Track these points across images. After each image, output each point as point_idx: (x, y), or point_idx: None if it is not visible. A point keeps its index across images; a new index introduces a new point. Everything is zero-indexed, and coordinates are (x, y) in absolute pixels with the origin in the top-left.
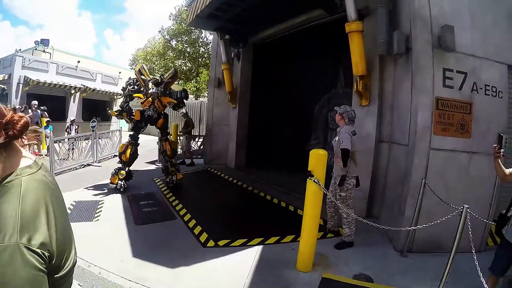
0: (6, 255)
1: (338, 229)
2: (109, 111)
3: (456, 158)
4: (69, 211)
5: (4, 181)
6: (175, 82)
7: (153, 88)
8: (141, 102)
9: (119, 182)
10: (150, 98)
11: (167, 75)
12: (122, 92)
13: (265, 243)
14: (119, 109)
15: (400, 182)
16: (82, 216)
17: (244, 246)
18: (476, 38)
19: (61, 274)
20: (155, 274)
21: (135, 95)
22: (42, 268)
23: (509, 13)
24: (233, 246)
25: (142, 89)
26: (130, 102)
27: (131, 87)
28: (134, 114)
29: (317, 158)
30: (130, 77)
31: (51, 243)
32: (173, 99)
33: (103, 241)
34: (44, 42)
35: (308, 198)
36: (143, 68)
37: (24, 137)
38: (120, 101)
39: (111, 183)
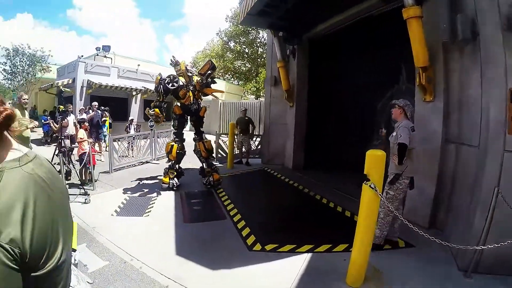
0: None
1: (396, 239)
2: (146, 112)
3: None
4: (122, 206)
5: None
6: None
7: (198, 81)
8: (181, 98)
9: (171, 181)
10: (190, 92)
11: (203, 67)
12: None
13: (315, 250)
14: (154, 110)
15: (469, 190)
16: (133, 211)
17: (292, 252)
18: None
19: (40, 273)
20: (195, 274)
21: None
22: (11, 264)
23: None
24: (281, 251)
25: (185, 84)
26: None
27: (170, 85)
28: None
29: (374, 160)
30: (160, 74)
31: (23, 240)
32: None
33: (149, 236)
34: (105, 48)
35: (363, 204)
36: (186, 65)
37: (10, 129)
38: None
39: (163, 183)
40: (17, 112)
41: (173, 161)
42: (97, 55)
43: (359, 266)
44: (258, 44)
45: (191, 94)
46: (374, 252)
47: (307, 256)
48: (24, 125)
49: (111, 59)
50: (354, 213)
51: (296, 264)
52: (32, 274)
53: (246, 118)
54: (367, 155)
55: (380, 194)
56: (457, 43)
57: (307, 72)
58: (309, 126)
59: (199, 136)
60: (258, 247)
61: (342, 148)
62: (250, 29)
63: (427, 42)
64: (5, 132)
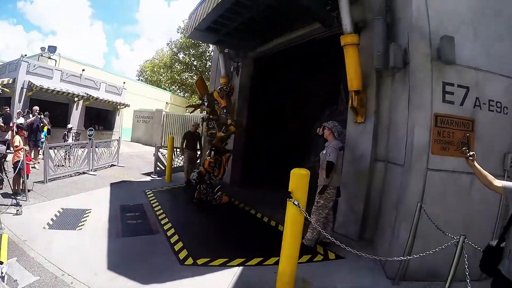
0: None
1: (329, 240)
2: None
3: (457, 180)
4: (55, 218)
5: None
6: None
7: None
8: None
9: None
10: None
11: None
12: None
13: (247, 264)
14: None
15: (395, 205)
16: (67, 224)
17: (224, 266)
18: (479, 50)
19: None
20: None
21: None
22: None
23: None
24: (212, 265)
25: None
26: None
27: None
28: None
29: (299, 178)
30: (205, 112)
31: None
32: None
33: (82, 250)
34: (51, 49)
35: (287, 220)
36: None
37: None
38: (124, 110)
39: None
40: None
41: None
42: (42, 55)
43: (287, 279)
44: (207, 58)
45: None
46: (304, 264)
47: (238, 270)
48: None
49: (56, 61)
50: None
51: (227, 278)
52: None
53: (196, 134)
54: (292, 174)
55: (303, 211)
56: (390, 70)
57: (249, 89)
58: (249, 142)
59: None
60: (190, 261)
61: (280, 164)
62: (201, 42)
63: (362, 67)
64: None
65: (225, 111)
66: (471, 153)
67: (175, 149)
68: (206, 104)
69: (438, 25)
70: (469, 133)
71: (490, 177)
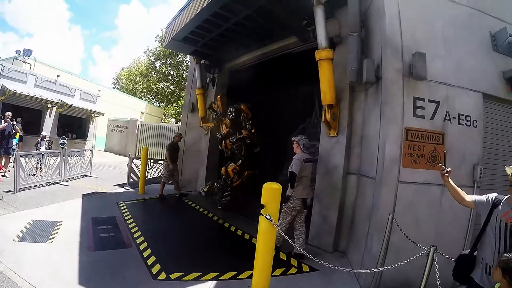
0: None
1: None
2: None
3: (428, 191)
4: (25, 230)
5: None
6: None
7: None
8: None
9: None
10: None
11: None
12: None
13: (220, 278)
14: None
15: (367, 216)
16: (37, 236)
17: (197, 280)
18: (450, 66)
19: None
20: None
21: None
22: None
23: (483, 41)
24: (185, 280)
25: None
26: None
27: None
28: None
29: (271, 193)
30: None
31: None
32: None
33: (52, 265)
34: (26, 52)
35: (260, 234)
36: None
37: None
38: (99, 119)
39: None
40: None
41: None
42: (16, 58)
43: None
44: (184, 68)
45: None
46: (278, 277)
47: (212, 284)
48: None
49: (31, 65)
50: None
51: None
52: None
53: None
54: (264, 188)
55: (275, 225)
56: (363, 84)
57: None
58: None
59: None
60: (163, 276)
61: (254, 175)
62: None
63: (336, 82)
64: None
65: (250, 122)
66: (448, 169)
67: (149, 160)
68: (231, 117)
69: (410, 41)
70: (439, 146)
71: (462, 193)
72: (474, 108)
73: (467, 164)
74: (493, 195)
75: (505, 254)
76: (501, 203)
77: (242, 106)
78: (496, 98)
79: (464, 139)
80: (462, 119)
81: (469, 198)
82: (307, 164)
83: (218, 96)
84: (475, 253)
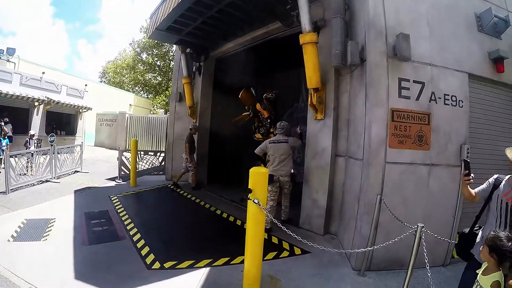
0: None
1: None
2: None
3: (415, 171)
4: (19, 230)
5: None
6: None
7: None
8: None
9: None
10: None
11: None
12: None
13: (213, 264)
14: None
15: (356, 198)
16: (31, 235)
17: (191, 268)
18: (435, 47)
19: None
20: None
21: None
22: None
23: (468, 22)
24: (179, 268)
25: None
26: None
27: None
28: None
29: (258, 177)
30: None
31: None
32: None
33: (48, 261)
34: (9, 51)
35: (249, 218)
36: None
37: None
38: (87, 114)
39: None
40: None
41: None
42: (0, 58)
43: (253, 276)
44: (170, 58)
45: None
46: (270, 261)
47: (205, 271)
48: None
49: (15, 63)
50: None
51: (194, 279)
52: None
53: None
54: (251, 172)
55: (263, 208)
56: (347, 67)
57: (211, 89)
58: (213, 142)
59: None
60: (157, 265)
61: (243, 163)
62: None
63: (321, 65)
64: None
65: (269, 121)
66: (471, 179)
67: (139, 152)
68: (251, 114)
69: (394, 23)
70: (425, 126)
71: (473, 192)
72: (460, 88)
73: (454, 144)
74: (494, 177)
75: (492, 231)
76: (502, 184)
77: (257, 106)
78: (482, 78)
79: (450, 119)
80: (448, 99)
81: (474, 193)
82: (272, 145)
83: (241, 93)
84: (475, 230)
